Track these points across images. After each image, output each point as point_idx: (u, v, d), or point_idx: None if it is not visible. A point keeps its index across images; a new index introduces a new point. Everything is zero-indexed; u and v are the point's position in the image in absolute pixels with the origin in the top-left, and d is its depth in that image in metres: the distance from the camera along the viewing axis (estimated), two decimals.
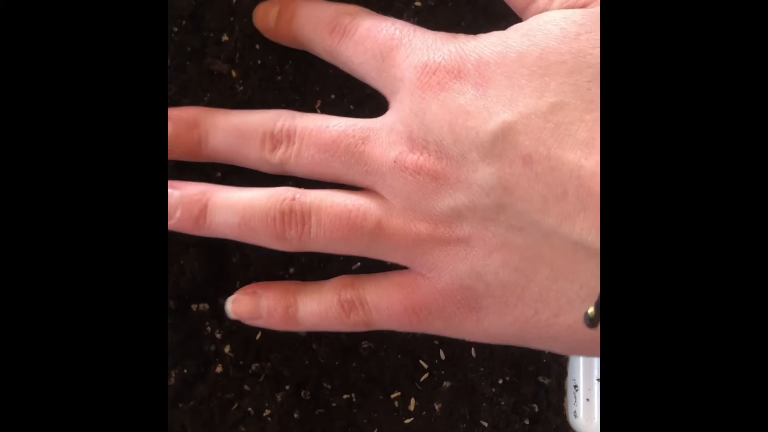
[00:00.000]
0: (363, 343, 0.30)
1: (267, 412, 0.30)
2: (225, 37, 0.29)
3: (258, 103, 0.29)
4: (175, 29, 0.29)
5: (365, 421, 0.30)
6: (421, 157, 0.24)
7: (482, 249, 0.24)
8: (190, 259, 0.29)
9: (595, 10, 0.24)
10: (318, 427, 0.30)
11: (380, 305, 0.26)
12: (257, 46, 0.29)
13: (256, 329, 0.30)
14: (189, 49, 0.29)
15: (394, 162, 0.25)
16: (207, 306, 0.29)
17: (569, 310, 0.23)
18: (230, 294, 0.29)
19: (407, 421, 0.30)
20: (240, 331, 0.30)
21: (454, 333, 0.26)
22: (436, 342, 0.30)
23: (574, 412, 0.31)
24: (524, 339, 0.26)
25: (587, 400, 0.30)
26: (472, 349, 0.31)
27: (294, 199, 0.26)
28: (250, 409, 0.30)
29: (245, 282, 0.29)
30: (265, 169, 0.27)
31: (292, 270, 0.30)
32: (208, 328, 0.29)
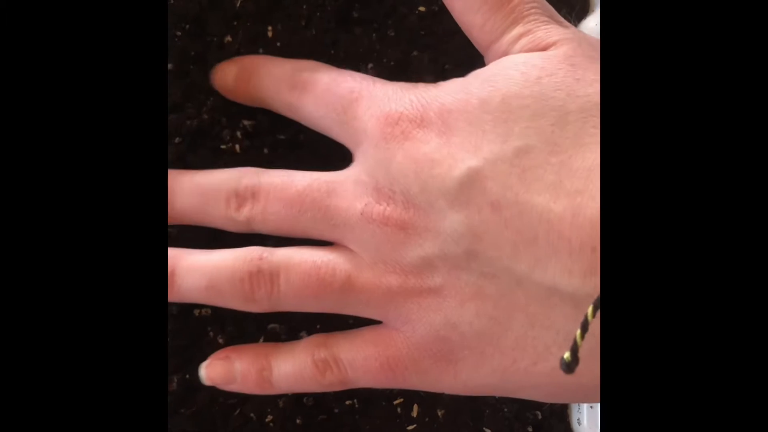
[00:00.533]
0: None
1: (269, 417, 0.29)
2: (228, 39, 0.29)
3: (261, 108, 0.29)
4: (179, 33, 0.29)
5: (368, 427, 0.30)
6: (388, 208, 0.24)
7: (455, 299, 0.24)
8: None
9: (554, 53, 0.24)
10: None
11: (355, 363, 0.25)
12: (261, 50, 0.29)
13: (259, 335, 0.29)
14: (192, 53, 0.29)
15: (361, 214, 0.24)
16: (209, 311, 0.29)
17: (547, 357, 0.23)
18: None
19: (410, 427, 0.30)
20: (242, 336, 0.29)
21: (432, 387, 0.26)
22: None
23: (578, 419, 0.31)
24: (505, 389, 0.25)
25: (591, 407, 0.30)
26: None
27: (261, 258, 0.25)
28: (252, 414, 0.29)
29: None
30: (231, 228, 0.27)
31: None
32: (210, 334, 0.29)
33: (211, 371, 0.28)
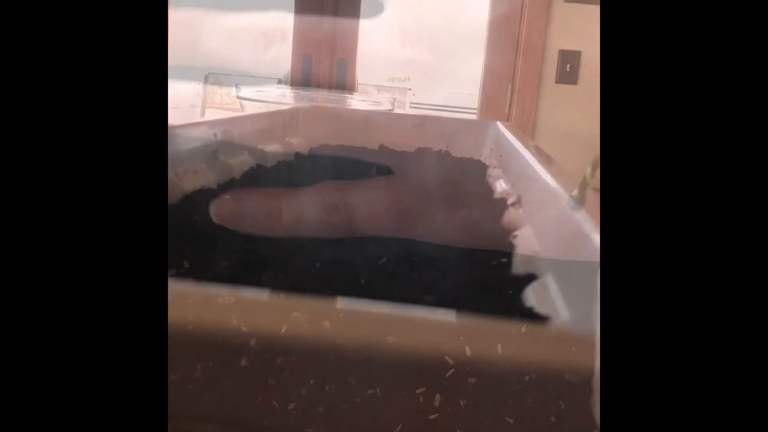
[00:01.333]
0: (388, 337, 0.30)
1: (291, 405, 0.29)
2: None
3: None
4: None
5: (389, 417, 0.30)
6: (413, 51, 0.24)
7: None
8: (216, 253, 0.29)
9: None
10: (342, 422, 0.30)
11: (363, 206, 0.26)
12: None
13: (281, 323, 0.30)
14: None
15: (386, 56, 0.25)
16: (233, 299, 0.30)
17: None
18: (257, 289, 0.29)
19: (432, 417, 0.30)
20: (265, 324, 0.30)
21: (438, 237, 0.26)
22: (462, 338, 0.30)
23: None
24: (505, 240, 0.25)
25: None
26: (498, 346, 0.30)
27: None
28: (274, 402, 0.29)
29: (271, 275, 0.29)
30: (255, 70, 0.27)
31: (318, 265, 0.30)
32: (234, 321, 0.30)
33: (221, 209, 0.27)
